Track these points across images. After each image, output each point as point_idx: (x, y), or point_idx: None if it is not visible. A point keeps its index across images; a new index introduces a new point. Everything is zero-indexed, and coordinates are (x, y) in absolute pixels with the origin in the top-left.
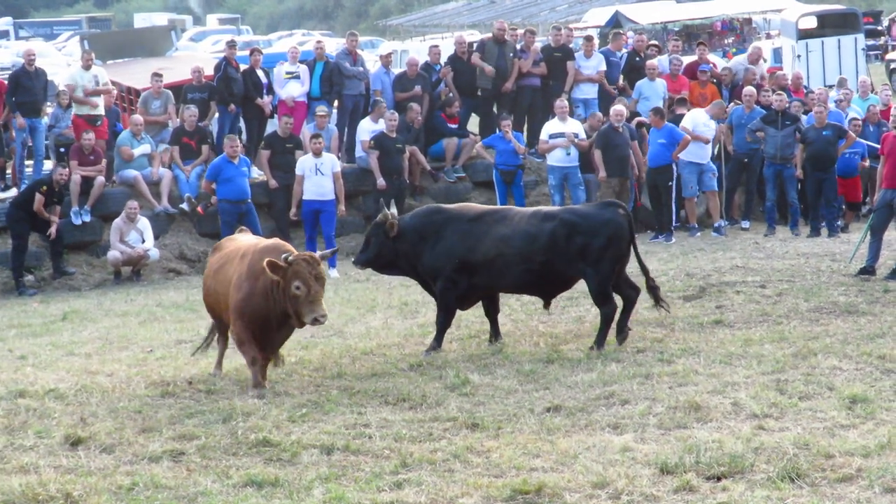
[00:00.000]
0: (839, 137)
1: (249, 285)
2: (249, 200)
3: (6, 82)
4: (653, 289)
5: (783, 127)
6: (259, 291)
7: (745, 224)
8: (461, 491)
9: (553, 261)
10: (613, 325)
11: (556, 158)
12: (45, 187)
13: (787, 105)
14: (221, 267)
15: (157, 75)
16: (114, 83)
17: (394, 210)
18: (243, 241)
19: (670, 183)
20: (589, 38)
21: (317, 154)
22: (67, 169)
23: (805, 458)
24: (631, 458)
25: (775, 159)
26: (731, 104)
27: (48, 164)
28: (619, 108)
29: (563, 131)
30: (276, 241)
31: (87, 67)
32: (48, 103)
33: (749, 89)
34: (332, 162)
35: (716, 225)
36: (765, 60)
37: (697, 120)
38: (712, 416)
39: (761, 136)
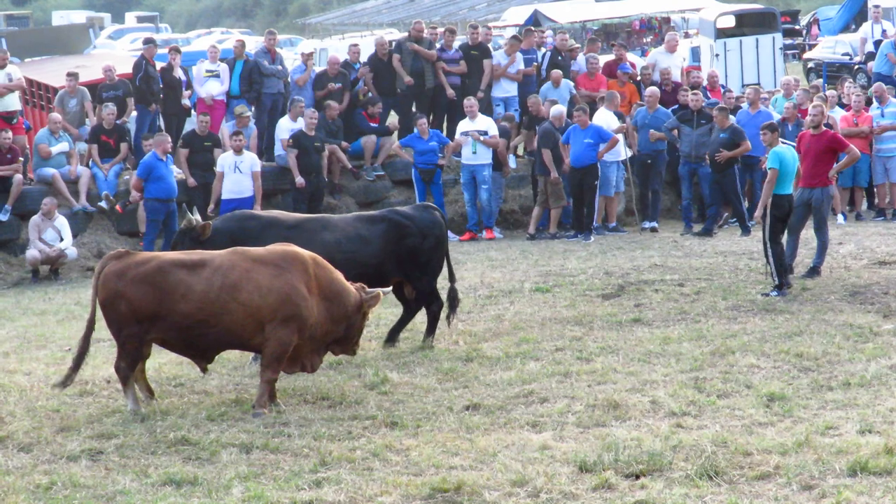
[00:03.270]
0: (735, 141)
1: (316, 297)
2: (175, 199)
3: None
4: (453, 297)
5: (698, 126)
6: (324, 305)
7: (654, 224)
8: (380, 489)
9: (384, 263)
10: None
11: (464, 156)
12: None
13: (702, 104)
14: (242, 279)
15: (71, 74)
16: (32, 81)
17: (197, 216)
18: (222, 251)
19: (596, 182)
20: (517, 38)
21: (237, 151)
22: None
23: (723, 456)
24: (550, 457)
25: (690, 158)
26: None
27: None
28: (560, 108)
29: (473, 129)
30: (290, 247)
31: (0, 66)
32: None
33: (652, 89)
34: (251, 161)
35: (612, 225)
36: (683, 59)
37: (608, 120)
38: (631, 415)
39: (675, 135)
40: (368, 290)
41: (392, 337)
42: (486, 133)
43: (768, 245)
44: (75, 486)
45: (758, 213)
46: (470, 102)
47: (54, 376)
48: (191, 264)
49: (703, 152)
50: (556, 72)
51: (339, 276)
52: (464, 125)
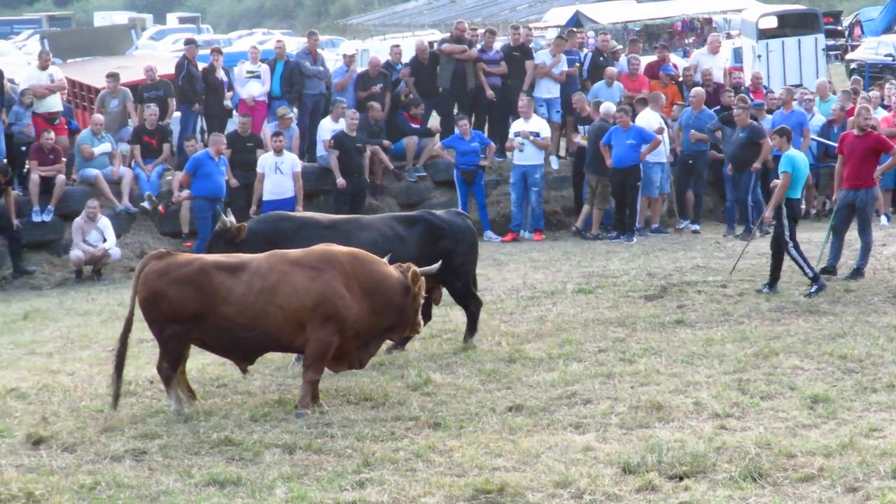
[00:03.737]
0: (754, 140)
1: (357, 293)
2: (223, 199)
3: None
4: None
5: None
6: (366, 300)
7: (696, 227)
8: (423, 490)
9: (420, 264)
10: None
11: (516, 156)
12: None
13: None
14: (280, 282)
15: (111, 75)
16: (74, 82)
17: (231, 217)
18: (261, 254)
19: (638, 183)
20: (562, 38)
21: (278, 152)
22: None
23: (767, 458)
24: (593, 458)
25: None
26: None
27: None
28: (611, 105)
29: (527, 130)
30: (329, 247)
31: (43, 67)
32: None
33: (697, 90)
34: (292, 161)
35: (655, 226)
36: (726, 60)
37: (651, 121)
38: (674, 416)
39: (718, 136)
40: (416, 269)
41: (400, 344)
42: (538, 134)
43: (790, 246)
44: (119, 486)
45: (768, 213)
46: (523, 102)
47: (97, 376)
48: (231, 267)
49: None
50: (611, 69)
51: (380, 266)
52: (517, 125)
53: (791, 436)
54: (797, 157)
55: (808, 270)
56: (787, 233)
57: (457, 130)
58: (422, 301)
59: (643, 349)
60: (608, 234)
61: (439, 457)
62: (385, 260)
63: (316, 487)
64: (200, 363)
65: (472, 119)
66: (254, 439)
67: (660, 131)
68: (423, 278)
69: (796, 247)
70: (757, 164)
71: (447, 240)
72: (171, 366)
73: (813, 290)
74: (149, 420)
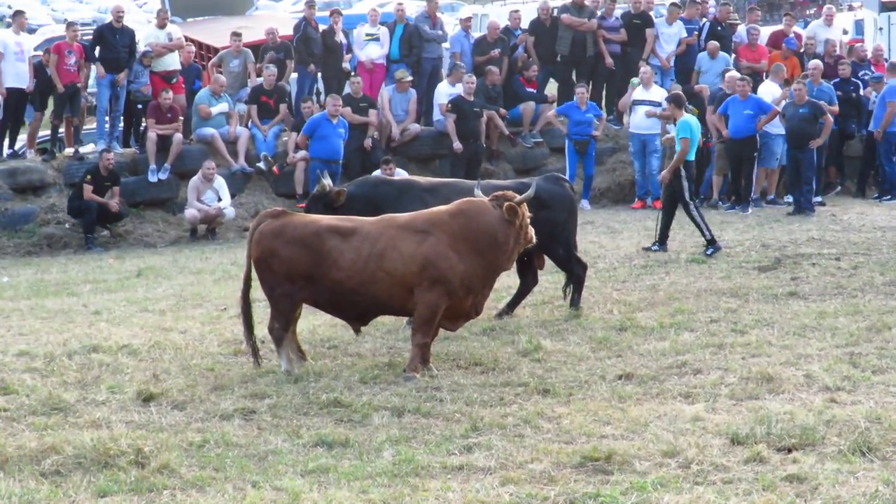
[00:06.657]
0: (816, 115)
1: (465, 251)
2: (341, 161)
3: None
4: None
5: None
6: (476, 254)
7: (819, 199)
8: (531, 456)
9: None
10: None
11: (635, 125)
12: (89, 176)
13: None
14: (388, 248)
15: (235, 34)
16: (194, 41)
17: (328, 180)
18: (372, 219)
19: (755, 154)
20: (675, 6)
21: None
22: (112, 154)
23: (876, 432)
24: (702, 428)
25: None
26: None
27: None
28: (734, 73)
29: (647, 98)
30: (436, 209)
31: (161, 26)
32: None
33: (815, 62)
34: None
35: (770, 197)
36: (846, 32)
37: (772, 92)
38: (784, 388)
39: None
40: (513, 202)
41: (509, 309)
42: (659, 104)
43: (691, 207)
44: (227, 444)
45: (666, 174)
46: (645, 70)
47: (209, 335)
48: (344, 231)
49: None
50: (713, 43)
51: (487, 215)
52: (637, 94)
53: None
54: (692, 122)
55: (706, 232)
56: (686, 194)
57: (574, 98)
58: (528, 220)
59: (755, 320)
60: (724, 204)
61: (548, 423)
62: (479, 193)
63: (423, 451)
64: (311, 324)
65: (591, 87)
66: (363, 401)
67: (784, 97)
68: (524, 205)
69: (697, 208)
70: (820, 141)
71: (545, 209)
72: (282, 326)
73: (709, 252)
74: (258, 380)
